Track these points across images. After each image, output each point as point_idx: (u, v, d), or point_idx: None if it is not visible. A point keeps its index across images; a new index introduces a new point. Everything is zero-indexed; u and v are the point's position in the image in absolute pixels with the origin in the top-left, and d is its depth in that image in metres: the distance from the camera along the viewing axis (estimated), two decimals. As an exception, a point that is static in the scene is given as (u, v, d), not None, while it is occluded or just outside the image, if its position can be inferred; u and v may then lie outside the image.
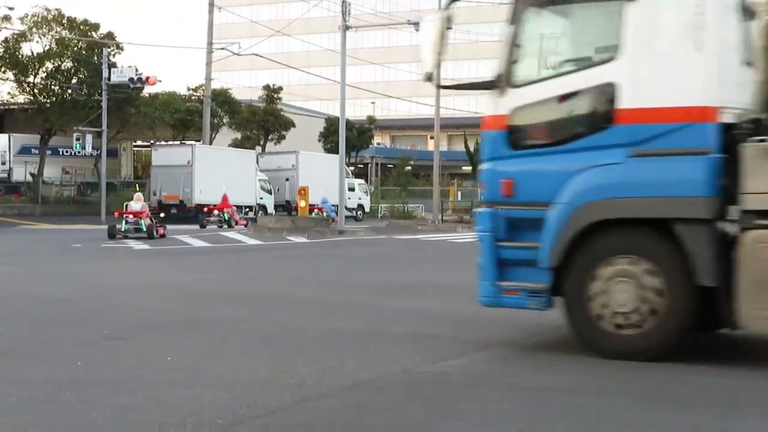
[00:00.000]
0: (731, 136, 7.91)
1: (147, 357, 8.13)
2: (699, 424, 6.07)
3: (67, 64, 46.98)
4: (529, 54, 8.71)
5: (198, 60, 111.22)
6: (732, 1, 8.29)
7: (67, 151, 51.26)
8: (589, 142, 8.20)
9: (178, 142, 51.10)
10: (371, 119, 69.68)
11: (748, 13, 8.50)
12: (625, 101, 8.02)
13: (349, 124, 52.81)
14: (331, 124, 58.87)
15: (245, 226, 37.41)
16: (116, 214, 30.19)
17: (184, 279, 16.12)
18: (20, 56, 45.79)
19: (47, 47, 46.51)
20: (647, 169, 7.95)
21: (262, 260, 21.19)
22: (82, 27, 47.28)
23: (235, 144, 55.04)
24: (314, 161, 50.32)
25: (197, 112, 50.22)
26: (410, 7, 70.57)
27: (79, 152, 48.51)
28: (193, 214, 41.49)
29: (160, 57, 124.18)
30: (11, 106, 51.69)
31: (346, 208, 42.18)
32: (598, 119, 8.26)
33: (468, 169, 66.27)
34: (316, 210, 43.64)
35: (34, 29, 46.03)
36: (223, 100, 52.98)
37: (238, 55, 45.90)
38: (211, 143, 48.85)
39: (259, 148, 55.53)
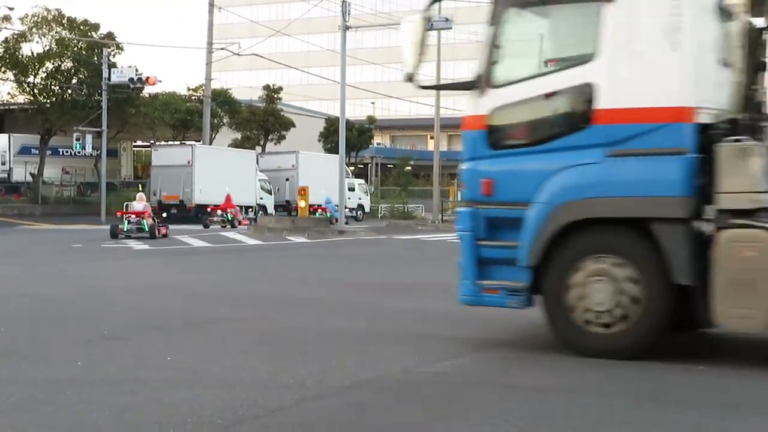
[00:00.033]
0: (708, 136, 7.99)
1: (147, 357, 8.13)
2: (699, 424, 6.07)
3: (67, 64, 46.99)
4: (509, 55, 8.78)
5: (198, 60, 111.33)
6: (709, 2, 8.37)
7: (67, 151, 51.26)
8: (567, 142, 8.29)
9: (178, 142, 51.12)
10: (371, 119, 69.67)
11: (725, 13, 8.56)
12: (602, 101, 8.11)
13: (349, 124, 52.80)
14: (331, 124, 58.87)
15: (248, 225, 37.47)
16: (119, 213, 30.29)
17: (184, 279, 16.13)
18: (20, 56, 45.80)
19: (47, 47, 46.52)
20: (624, 168, 8.04)
21: (262, 260, 21.19)
22: (82, 27, 47.29)
23: (235, 144, 55.06)
24: (314, 161, 50.32)
25: (197, 112, 50.24)
26: (410, 7, 70.47)
27: (79, 152, 48.51)
28: (193, 214, 41.54)
29: (160, 57, 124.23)
30: (11, 106, 51.70)
31: (346, 208, 42.19)
32: (576, 119, 8.34)
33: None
34: (320, 210, 43.68)
35: (34, 29, 46.04)
36: (223, 100, 52.99)
37: (238, 55, 45.88)
38: (211, 143, 48.87)
39: (259, 148, 55.54)
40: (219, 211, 39.05)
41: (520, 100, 8.58)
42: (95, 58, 46.08)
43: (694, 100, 7.97)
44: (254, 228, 34.58)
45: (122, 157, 58.34)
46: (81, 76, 46.85)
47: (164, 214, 34.91)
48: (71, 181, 53.78)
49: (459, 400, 6.63)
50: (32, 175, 49.68)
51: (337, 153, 38.72)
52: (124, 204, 31.69)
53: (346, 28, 35.98)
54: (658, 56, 7.96)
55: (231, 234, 31.96)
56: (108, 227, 30.15)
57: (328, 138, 60.26)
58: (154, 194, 43.34)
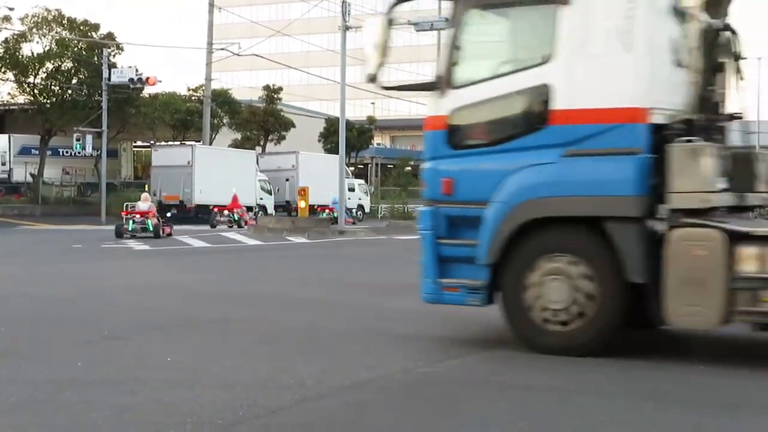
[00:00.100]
0: (662, 137, 8.09)
1: (147, 357, 8.13)
2: (699, 424, 6.07)
3: (67, 64, 47.01)
4: (468, 56, 8.91)
5: (198, 60, 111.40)
6: (663, 3, 8.44)
7: (67, 152, 51.28)
8: (524, 142, 8.42)
9: (178, 143, 51.11)
10: (371, 119, 69.65)
11: (681, 15, 8.61)
12: (559, 102, 8.23)
13: (349, 125, 52.79)
14: (331, 124, 58.88)
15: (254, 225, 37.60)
16: (124, 213, 30.54)
17: (184, 279, 16.12)
18: (20, 57, 45.81)
19: (47, 48, 46.53)
20: (580, 168, 8.15)
21: (262, 260, 21.19)
22: (82, 27, 47.31)
23: (235, 144, 55.06)
24: (314, 161, 50.30)
25: (197, 113, 50.25)
26: (410, 7, 70.42)
27: (79, 153, 48.55)
28: (194, 215, 41.60)
29: (160, 57, 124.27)
30: (11, 107, 51.73)
31: (347, 208, 42.20)
32: (533, 120, 8.47)
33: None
34: (327, 210, 43.70)
35: (34, 30, 46.05)
36: (223, 100, 53.01)
37: (238, 55, 45.90)
38: (211, 144, 48.87)
39: (259, 149, 55.55)
40: (226, 212, 39.28)
41: (479, 101, 8.74)
42: (95, 59, 46.09)
43: (647, 100, 8.09)
44: (254, 228, 34.58)
45: (122, 157, 58.35)
46: (81, 76, 46.87)
47: (168, 214, 35.11)
48: (71, 182, 53.78)
49: (459, 400, 6.64)
50: (32, 175, 49.69)
51: (337, 153, 38.72)
52: (125, 204, 31.73)
53: (346, 28, 35.98)
54: (612, 58, 8.09)
55: (231, 234, 31.96)
56: (108, 227, 30.24)
57: (328, 138, 60.27)
58: (154, 194, 43.21)
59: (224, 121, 54.38)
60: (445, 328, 9.98)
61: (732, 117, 9.01)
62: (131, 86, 44.26)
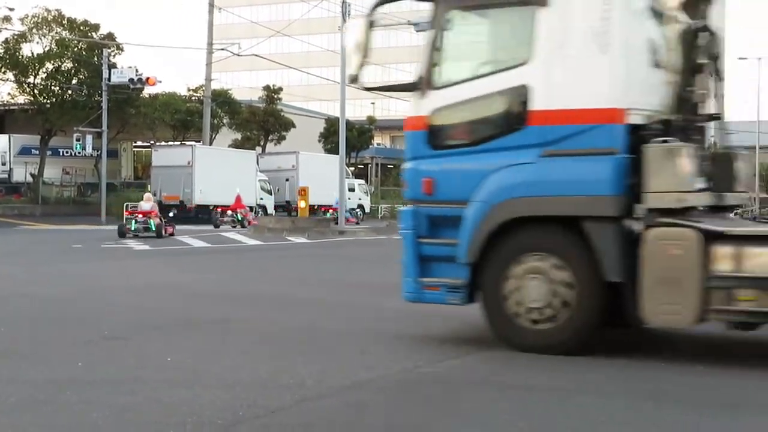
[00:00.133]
0: (639, 137, 8.14)
1: (147, 357, 8.13)
2: (699, 424, 6.08)
3: (67, 64, 47.04)
4: (449, 57, 8.97)
5: (198, 60, 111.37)
6: (640, 4, 8.49)
7: (67, 152, 51.29)
8: (504, 143, 8.49)
9: (179, 143, 51.13)
10: (371, 119, 69.62)
11: (659, 16, 8.66)
12: (537, 103, 8.31)
13: (349, 125, 52.78)
14: (331, 124, 58.86)
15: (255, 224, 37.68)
16: (127, 213, 30.70)
17: (184, 279, 16.12)
18: (20, 57, 45.85)
19: (47, 48, 46.56)
20: (558, 168, 8.23)
21: (262, 260, 21.19)
22: (82, 28, 47.34)
23: (236, 144, 55.05)
24: (314, 162, 50.32)
25: (197, 113, 50.26)
26: (410, 7, 70.46)
27: (79, 153, 48.56)
28: (194, 215, 41.62)
29: (160, 57, 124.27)
30: (11, 107, 51.77)
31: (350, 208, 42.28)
32: (512, 120, 8.54)
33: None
34: (331, 210, 43.70)
35: (34, 30, 46.07)
36: (223, 100, 53.01)
37: (238, 55, 45.90)
38: (211, 144, 48.87)
39: (259, 149, 55.55)
40: (229, 212, 39.35)
41: (459, 102, 8.81)
42: (95, 59, 46.11)
43: (624, 101, 8.15)
44: (254, 228, 34.59)
45: (122, 157, 58.36)
46: (81, 76, 46.90)
47: (171, 214, 35.29)
48: (71, 182, 53.80)
49: (459, 400, 6.63)
50: (32, 175, 49.70)
51: (338, 153, 38.72)
52: (125, 204, 31.79)
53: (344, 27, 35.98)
54: (589, 59, 8.16)
55: (231, 234, 31.96)
56: (108, 227, 30.29)
57: (329, 138, 60.25)
58: (155, 194, 43.31)
59: (224, 121, 54.39)
60: (445, 328, 9.98)
61: (711, 117, 9.08)
62: (131, 86, 44.28)
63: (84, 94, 46.70)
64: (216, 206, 40.84)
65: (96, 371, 7.47)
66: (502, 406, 6.45)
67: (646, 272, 7.77)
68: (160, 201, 42.17)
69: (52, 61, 46.56)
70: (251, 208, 43.74)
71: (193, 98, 53.21)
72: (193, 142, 49.17)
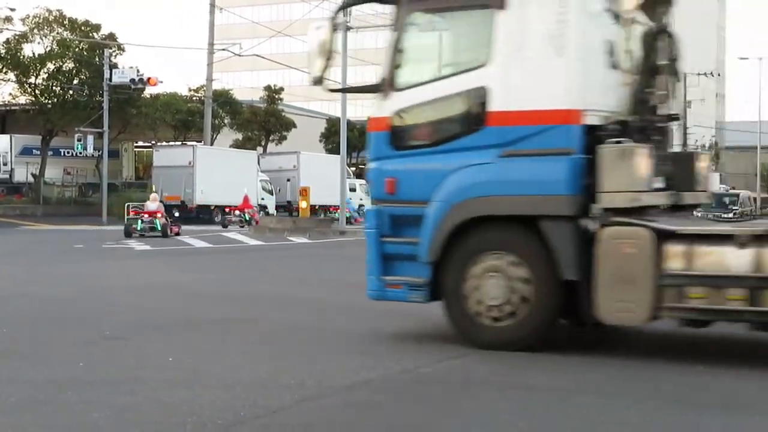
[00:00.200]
0: (596, 138, 8.24)
1: (147, 357, 8.13)
2: (699, 424, 6.07)
3: (69, 64, 47.08)
4: (410, 59, 9.10)
5: (199, 61, 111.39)
6: (597, 6, 8.57)
7: (68, 152, 51.31)
8: (463, 143, 8.63)
9: (180, 143, 51.15)
10: (372, 120, 69.59)
11: (617, 18, 8.69)
12: (495, 104, 8.44)
13: (351, 125, 52.69)
14: (333, 124, 58.86)
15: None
16: (133, 213, 30.83)
17: (184, 279, 16.13)
18: (22, 57, 45.88)
19: (48, 48, 46.60)
20: (515, 168, 8.36)
21: (262, 260, 21.20)
22: (83, 28, 47.38)
23: (237, 145, 55.07)
24: (315, 162, 50.34)
25: (198, 113, 50.26)
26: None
27: (80, 153, 48.54)
28: (195, 215, 41.67)
29: (162, 58, 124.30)
30: (13, 107, 51.78)
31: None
32: (471, 121, 8.68)
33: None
34: (339, 210, 43.71)
35: (35, 30, 46.11)
36: (224, 100, 53.03)
37: (240, 55, 45.93)
38: (212, 144, 48.87)
39: (260, 149, 55.56)
40: (237, 212, 39.48)
41: (421, 103, 8.95)
42: (96, 59, 46.15)
43: (580, 102, 8.25)
44: (255, 228, 34.62)
45: (123, 157, 58.37)
46: (82, 76, 46.94)
47: (177, 214, 35.57)
48: (72, 182, 53.81)
49: (459, 400, 6.63)
50: (34, 175, 49.73)
51: (339, 153, 38.73)
52: (126, 204, 31.87)
53: (347, 28, 35.97)
54: (545, 61, 8.28)
55: (232, 234, 31.99)
56: (109, 227, 30.37)
57: (330, 138, 60.25)
58: (155, 194, 43.44)
59: (225, 121, 54.41)
60: (446, 328, 9.95)
61: (670, 118, 9.14)
62: (132, 87, 44.33)
63: (85, 95, 46.72)
64: (217, 206, 40.89)
65: (96, 371, 7.47)
66: (502, 406, 6.45)
67: (600, 271, 7.88)
68: (161, 201, 42.35)
69: (53, 62, 46.60)
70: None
71: (194, 98, 53.24)
72: (194, 143, 49.21)
